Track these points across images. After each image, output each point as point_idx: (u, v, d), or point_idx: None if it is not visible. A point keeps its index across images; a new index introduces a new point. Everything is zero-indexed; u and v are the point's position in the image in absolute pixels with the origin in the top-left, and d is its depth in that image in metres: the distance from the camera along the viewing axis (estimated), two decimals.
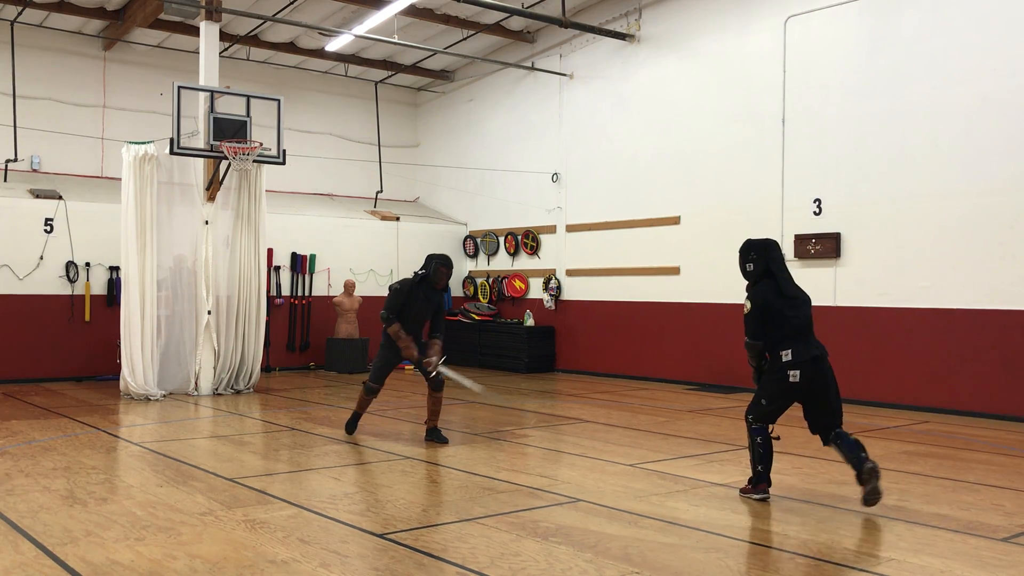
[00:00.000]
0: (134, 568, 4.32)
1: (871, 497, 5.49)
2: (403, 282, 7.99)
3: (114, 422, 9.28)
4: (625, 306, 13.96)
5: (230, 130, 11.29)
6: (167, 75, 14.24)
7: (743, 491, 5.91)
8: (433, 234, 16.60)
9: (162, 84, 14.26)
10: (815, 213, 11.37)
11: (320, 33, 14.58)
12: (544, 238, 15.48)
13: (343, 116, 17.23)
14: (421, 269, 8.00)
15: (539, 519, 5.29)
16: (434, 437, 8.00)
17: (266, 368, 14.30)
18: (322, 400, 11.30)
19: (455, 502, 5.82)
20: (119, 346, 11.42)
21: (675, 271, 13.18)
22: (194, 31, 13.34)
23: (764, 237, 6.17)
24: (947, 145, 10.18)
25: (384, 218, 16.35)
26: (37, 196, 12.94)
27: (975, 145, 9.94)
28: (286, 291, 15.14)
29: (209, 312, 11.66)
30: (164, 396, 11.28)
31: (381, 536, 4.94)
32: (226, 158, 11.30)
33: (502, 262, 16.32)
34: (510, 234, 16.00)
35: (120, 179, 11.45)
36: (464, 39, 14.94)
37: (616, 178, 14.13)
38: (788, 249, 11.33)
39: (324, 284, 15.52)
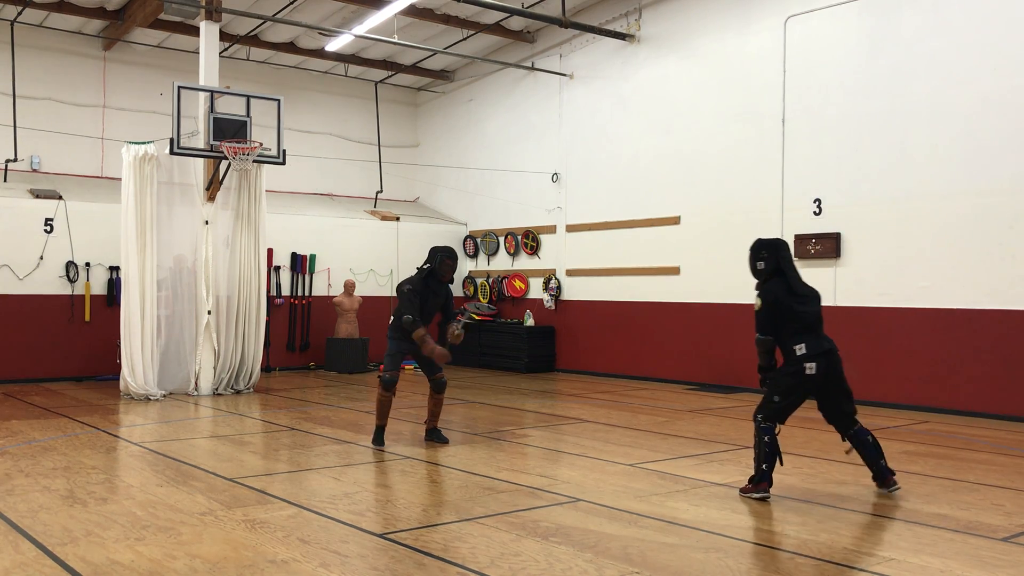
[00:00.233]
0: (134, 568, 4.32)
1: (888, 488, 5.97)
2: (412, 281, 7.76)
3: (114, 422, 9.29)
4: (625, 306, 13.96)
5: (230, 130, 11.30)
6: (167, 75, 14.24)
7: (743, 490, 5.92)
8: (433, 234, 16.59)
9: (162, 84, 14.27)
10: (815, 213, 11.37)
11: (320, 33, 14.58)
12: (544, 238, 15.48)
13: (343, 116, 17.24)
14: (425, 263, 7.80)
15: (539, 519, 5.29)
16: (434, 437, 8.00)
17: (266, 368, 14.30)
18: (322, 400, 11.29)
19: (455, 502, 5.82)
20: (119, 346, 11.43)
21: (675, 271, 13.18)
22: (194, 31, 13.35)
23: (773, 237, 6.32)
24: (947, 145, 10.18)
25: (384, 218, 16.35)
26: (37, 196, 12.94)
27: (975, 145, 9.94)
28: (286, 291, 15.14)
29: (209, 312, 11.66)
30: (164, 396, 11.28)
31: (381, 536, 4.94)
32: (226, 158, 11.31)
33: (502, 262, 16.32)
34: (510, 234, 16.01)
35: (120, 179, 11.45)
36: (464, 39, 14.93)
37: (616, 178, 14.13)
38: None
39: (324, 284, 15.52)
